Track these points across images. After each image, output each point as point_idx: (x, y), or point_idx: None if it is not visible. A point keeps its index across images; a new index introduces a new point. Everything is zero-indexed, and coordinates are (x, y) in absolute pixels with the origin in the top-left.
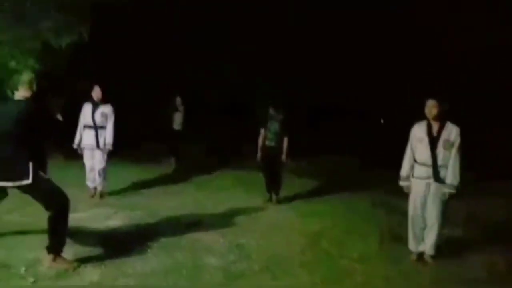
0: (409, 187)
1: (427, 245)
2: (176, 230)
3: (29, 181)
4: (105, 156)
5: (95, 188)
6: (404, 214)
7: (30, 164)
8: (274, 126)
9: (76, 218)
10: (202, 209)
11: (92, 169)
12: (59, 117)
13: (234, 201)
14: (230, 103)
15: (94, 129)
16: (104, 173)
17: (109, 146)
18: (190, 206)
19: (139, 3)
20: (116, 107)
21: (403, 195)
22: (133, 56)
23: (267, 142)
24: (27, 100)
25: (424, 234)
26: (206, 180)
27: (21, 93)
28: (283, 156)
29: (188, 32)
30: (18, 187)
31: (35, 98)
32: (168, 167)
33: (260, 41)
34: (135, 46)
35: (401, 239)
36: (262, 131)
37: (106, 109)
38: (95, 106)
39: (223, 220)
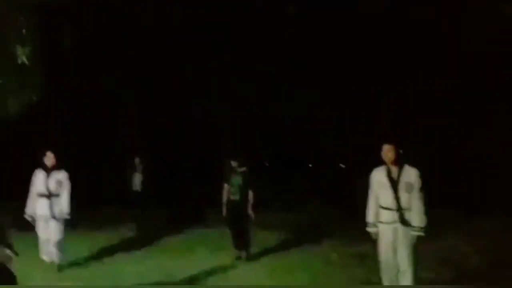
0: (376, 233)
1: None
2: None
3: None
4: (62, 226)
5: (52, 262)
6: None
7: None
8: (237, 179)
9: None
10: (169, 273)
11: (47, 241)
12: None
13: (201, 262)
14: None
15: (48, 197)
16: (60, 244)
17: (65, 215)
18: (156, 271)
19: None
20: (70, 171)
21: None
22: (90, 116)
23: (231, 196)
24: None
25: (399, 278)
26: (170, 242)
27: None
28: (249, 210)
29: (147, 90)
30: None
31: None
32: (129, 231)
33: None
34: (93, 104)
35: None
36: (225, 185)
37: (60, 175)
38: (48, 173)
39: (191, 284)
